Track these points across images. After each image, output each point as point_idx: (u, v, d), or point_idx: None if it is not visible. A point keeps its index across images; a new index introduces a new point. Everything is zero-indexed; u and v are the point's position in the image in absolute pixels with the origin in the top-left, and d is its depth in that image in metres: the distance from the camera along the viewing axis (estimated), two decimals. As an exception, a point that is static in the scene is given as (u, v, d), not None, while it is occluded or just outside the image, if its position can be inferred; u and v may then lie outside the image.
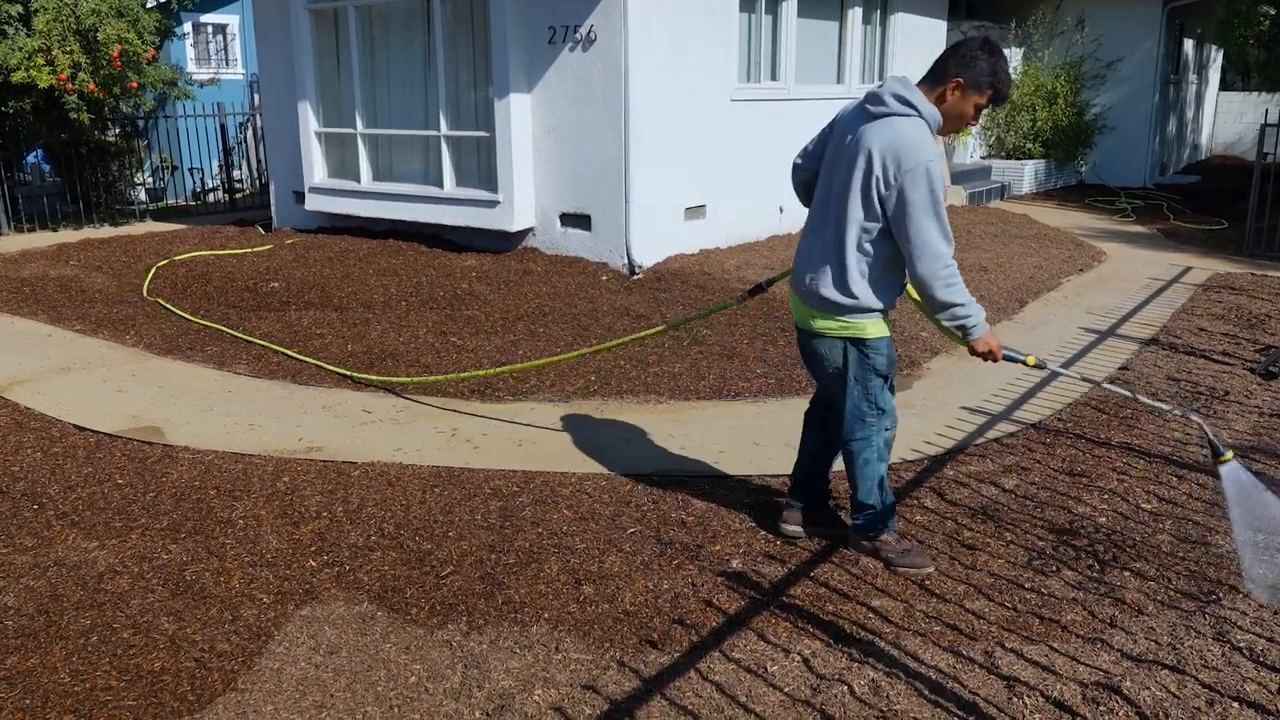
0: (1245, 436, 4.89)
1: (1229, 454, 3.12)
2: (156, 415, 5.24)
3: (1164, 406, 3.58)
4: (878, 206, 3.22)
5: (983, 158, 15.46)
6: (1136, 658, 3.04)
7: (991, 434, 4.93)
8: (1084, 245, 10.28)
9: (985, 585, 3.48)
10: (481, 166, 9.02)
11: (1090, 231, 11.31)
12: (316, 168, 10.09)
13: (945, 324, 3.33)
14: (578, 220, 8.67)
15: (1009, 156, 15.30)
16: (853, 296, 3.30)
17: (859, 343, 3.38)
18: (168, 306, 7.45)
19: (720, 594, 3.43)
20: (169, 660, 3.06)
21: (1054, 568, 3.59)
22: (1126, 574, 3.54)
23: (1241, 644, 3.11)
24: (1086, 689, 2.89)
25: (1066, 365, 6.08)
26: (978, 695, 2.87)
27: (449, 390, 5.59)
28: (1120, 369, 6.00)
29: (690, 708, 2.83)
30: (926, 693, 2.88)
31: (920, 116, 3.23)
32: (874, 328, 3.37)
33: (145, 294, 7.82)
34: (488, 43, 8.57)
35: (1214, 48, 20.98)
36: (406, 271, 8.22)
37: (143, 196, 13.82)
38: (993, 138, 15.51)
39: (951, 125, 3.37)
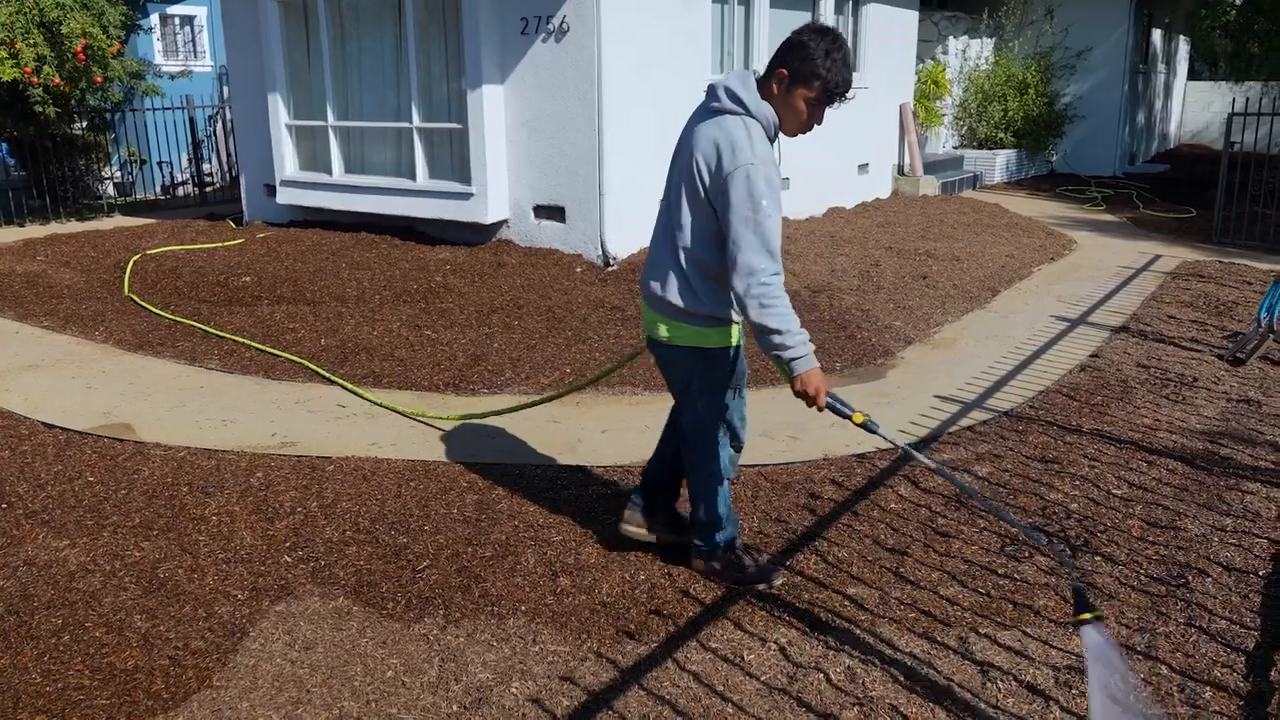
0: (1214, 422, 4.96)
1: (1089, 615, 2.56)
2: (127, 412, 5.19)
3: (1052, 550, 2.81)
4: (708, 209, 3.00)
5: (955, 148, 15.56)
6: (1108, 641, 3.08)
7: (965, 422, 4.97)
8: (1055, 234, 10.37)
9: (959, 572, 3.51)
10: (454, 158, 8.97)
11: (1061, 220, 11.41)
12: (287, 161, 10.00)
13: (766, 351, 2.97)
14: (552, 212, 8.65)
15: (981, 146, 15.41)
16: (695, 302, 3.09)
17: (703, 352, 3.17)
18: (139, 302, 7.37)
19: (696, 584, 3.44)
20: (142, 658, 3.03)
21: (1026, 554, 3.63)
22: (1098, 559, 3.58)
23: (1212, 628, 3.16)
24: (1059, 673, 2.92)
25: (1037, 355, 6.13)
26: (952, 681, 2.90)
27: (423, 384, 5.56)
28: (1091, 356, 6.06)
29: (668, 697, 2.84)
30: (902, 679, 2.90)
31: (750, 116, 2.97)
32: (719, 336, 3.16)
33: (126, 291, 7.71)
34: (460, 33, 8.51)
35: (1182, 38, 21.21)
36: (379, 265, 8.17)
37: (111, 191, 13.65)
38: (965, 128, 15.62)
39: (790, 124, 3.05)
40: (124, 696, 2.86)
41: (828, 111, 3.08)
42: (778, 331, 2.90)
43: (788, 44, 2.99)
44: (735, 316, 3.17)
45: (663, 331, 3.20)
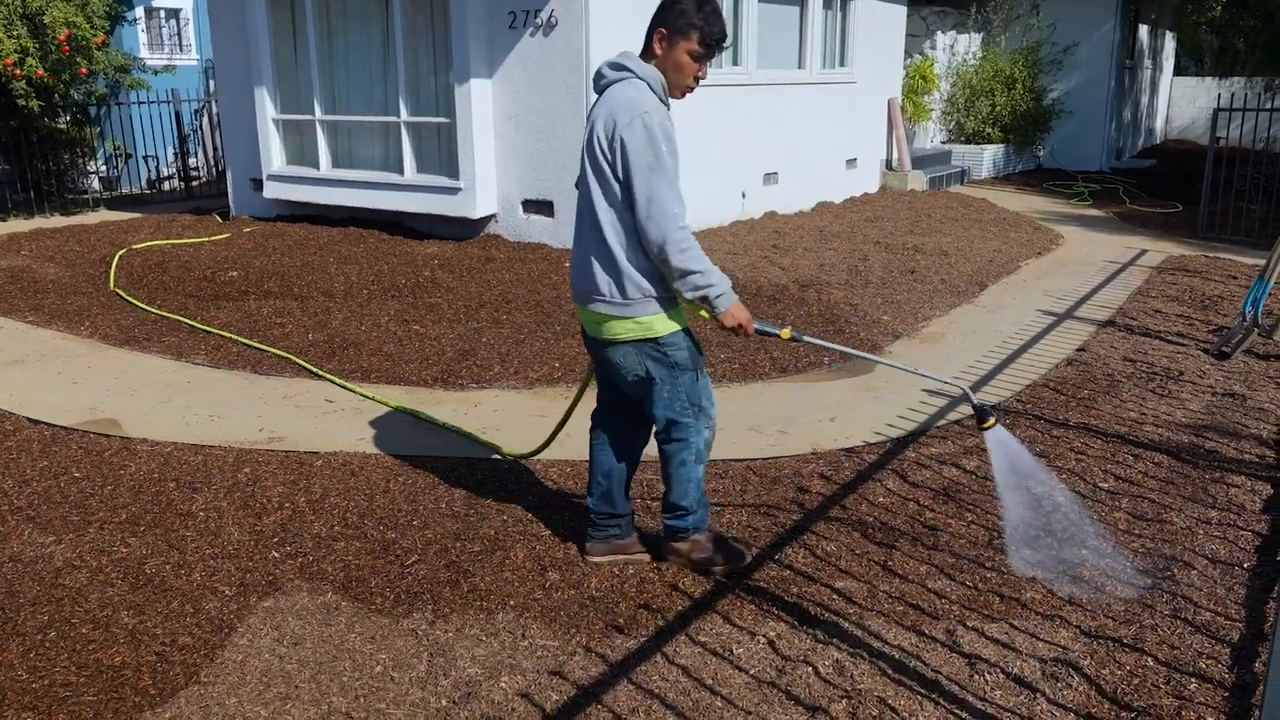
0: (1199, 416, 4.98)
1: (991, 420, 3.13)
2: (113, 407, 5.16)
3: (936, 376, 3.62)
4: (616, 186, 3.02)
5: (943, 142, 15.59)
6: (1094, 634, 3.09)
7: (952, 416, 4.98)
8: (1042, 229, 10.41)
9: (947, 565, 3.52)
10: (442, 153, 8.95)
11: (1048, 215, 11.46)
12: (274, 155, 9.96)
13: (688, 296, 3.06)
14: (540, 206, 8.64)
15: (969, 141, 15.45)
16: (633, 289, 3.06)
17: (653, 342, 3.13)
18: (125, 297, 7.33)
19: (685, 578, 3.44)
20: (129, 654, 3.02)
21: (1014, 546, 3.64)
22: (1084, 552, 3.60)
23: (1197, 621, 3.18)
24: (1046, 665, 2.94)
25: (1024, 349, 6.16)
26: (940, 673, 2.91)
27: (411, 379, 5.55)
28: (1078, 350, 6.09)
29: (657, 691, 2.84)
30: (890, 672, 2.91)
31: (637, 77, 3.06)
32: (663, 322, 3.12)
33: (112, 286, 7.67)
34: (447, 27, 8.49)
35: (1168, 33, 21.30)
36: (367, 259, 8.14)
37: (96, 185, 13.56)
38: (953, 123, 15.65)
39: (677, 82, 3.13)
40: (111, 693, 2.85)
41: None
42: (699, 272, 2.99)
43: (660, 6, 3.10)
44: (673, 294, 3.14)
45: (608, 330, 3.15)
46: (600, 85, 3.12)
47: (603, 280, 3.08)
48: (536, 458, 4.43)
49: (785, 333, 3.21)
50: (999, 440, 3.15)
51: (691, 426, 3.26)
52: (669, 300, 3.13)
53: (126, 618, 3.22)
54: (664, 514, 3.47)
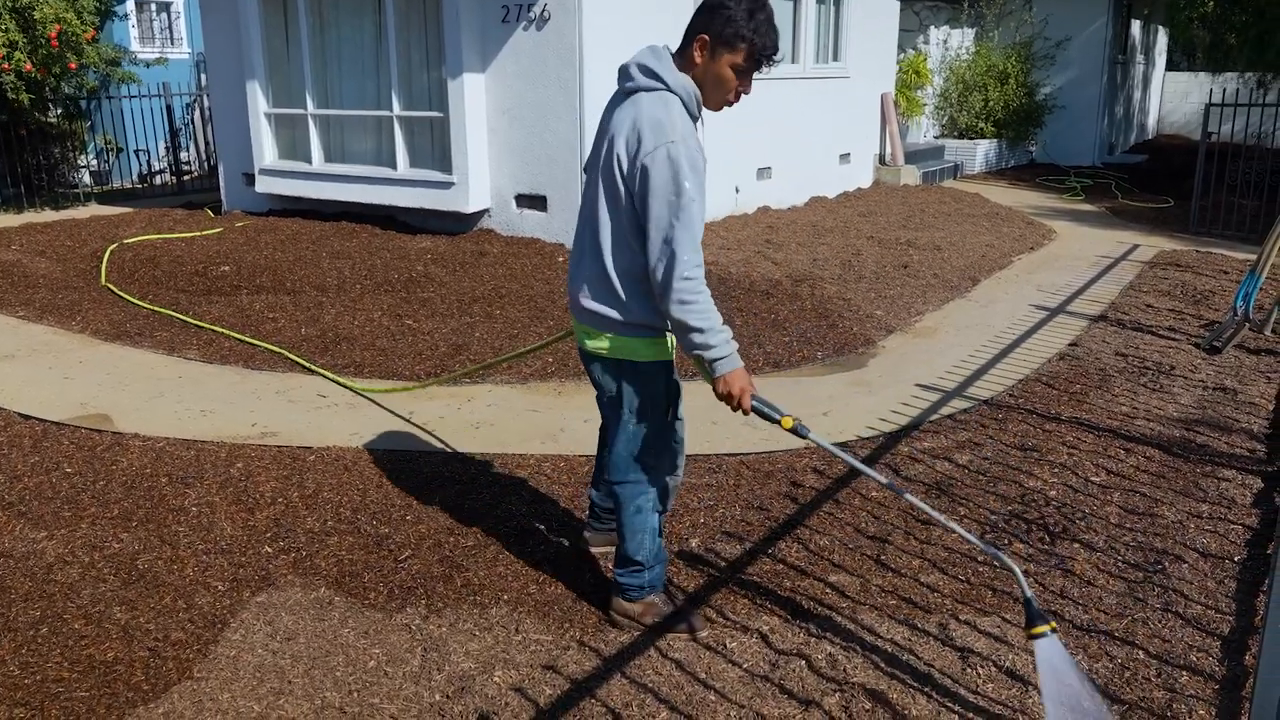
0: (1191, 410, 5.00)
1: (1045, 627, 2.50)
2: (105, 402, 5.14)
3: (994, 552, 2.73)
4: (629, 204, 2.71)
5: (936, 137, 15.61)
6: (1086, 628, 3.11)
7: (945, 410, 5.00)
8: (1035, 224, 10.43)
9: (939, 559, 3.53)
10: (435, 147, 8.92)
11: (1041, 210, 11.48)
12: (266, 149, 9.92)
13: (686, 351, 2.74)
14: (534, 201, 8.62)
15: (962, 136, 15.47)
16: (619, 309, 2.80)
17: (632, 367, 2.87)
18: (117, 291, 7.30)
19: (679, 573, 3.45)
20: (122, 650, 3.02)
21: (1006, 540, 3.65)
22: (1076, 545, 3.61)
23: (1188, 614, 3.19)
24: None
25: (1017, 343, 6.17)
26: (933, 667, 2.92)
27: (404, 374, 5.54)
28: (1070, 345, 6.11)
29: (650, 685, 2.84)
30: (883, 665, 2.92)
31: (668, 90, 2.72)
32: (648, 349, 2.86)
33: (103, 281, 7.64)
34: (440, 20, 8.46)
35: (1160, 29, 21.34)
36: (360, 254, 8.12)
37: (87, 179, 13.49)
38: (945, 118, 15.67)
39: (715, 95, 2.79)
40: (104, 688, 2.84)
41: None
42: (699, 330, 2.67)
43: (704, 7, 2.75)
44: (662, 324, 2.88)
45: (590, 344, 2.92)
46: (627, 87, 2.78)
47: (595, 298, 2.84)
48: (532, 454, 4.43)
49: (787, 421, 2.74)
50: (1050, 656, 2.50)
51: (652, 468, 3.00)
52: (657, 330, 2.88)
53: (119, 613, 3.21)
54: (615, 568, 3.16)
